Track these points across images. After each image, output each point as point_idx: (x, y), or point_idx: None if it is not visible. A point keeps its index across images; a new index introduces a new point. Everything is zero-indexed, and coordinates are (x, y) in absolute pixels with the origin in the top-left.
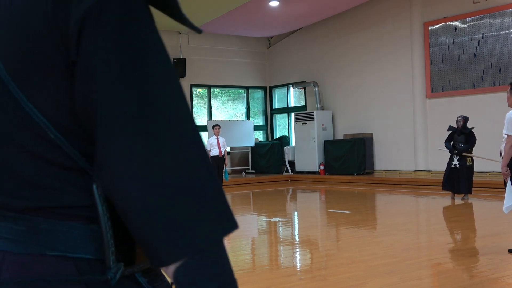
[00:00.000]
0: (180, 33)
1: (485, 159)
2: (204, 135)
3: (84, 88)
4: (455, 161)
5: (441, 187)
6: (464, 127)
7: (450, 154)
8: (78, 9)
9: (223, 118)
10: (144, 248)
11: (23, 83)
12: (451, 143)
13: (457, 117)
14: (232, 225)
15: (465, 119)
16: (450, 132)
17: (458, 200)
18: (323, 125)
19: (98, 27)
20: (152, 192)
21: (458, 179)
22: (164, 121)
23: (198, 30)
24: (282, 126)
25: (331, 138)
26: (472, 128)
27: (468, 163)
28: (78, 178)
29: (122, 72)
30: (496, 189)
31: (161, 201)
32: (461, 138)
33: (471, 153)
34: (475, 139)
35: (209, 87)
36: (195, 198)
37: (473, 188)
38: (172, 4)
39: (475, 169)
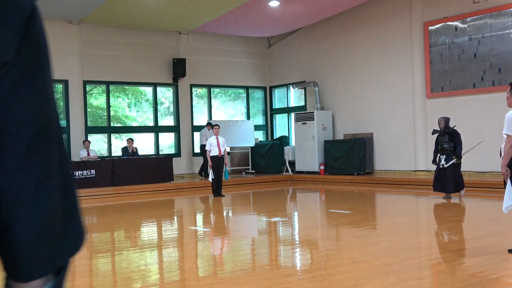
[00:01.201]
0: (180, 33)
1: (475, 147)
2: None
3: None
4: (443, 161)
5: None
6: (446, 127)
7: (439, 154)
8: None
9: (223, 118)
10: (8, 263)
11: None
12: (437, 145)
13: (438, 119)
14: (83, 240)
15: (446, 119)
16: (437, 135)
17: (456, 200)
18: (323, 125)
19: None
20: (37, 213)
21: (446, 178)
22: (51, 150)
23: None
24: (282, 126)
25: (331, 138)
26: (454, 126)
27: (456, 162)
28: None
29: (34, 97)
30: (496, 189)
31: (43, 223)
32: (445, 138)
33: (460, 158)
34: (460, 137)
35: (209, 87)
36: (65, 219)
37: (473, 188)
38: None
39: (473, 169)
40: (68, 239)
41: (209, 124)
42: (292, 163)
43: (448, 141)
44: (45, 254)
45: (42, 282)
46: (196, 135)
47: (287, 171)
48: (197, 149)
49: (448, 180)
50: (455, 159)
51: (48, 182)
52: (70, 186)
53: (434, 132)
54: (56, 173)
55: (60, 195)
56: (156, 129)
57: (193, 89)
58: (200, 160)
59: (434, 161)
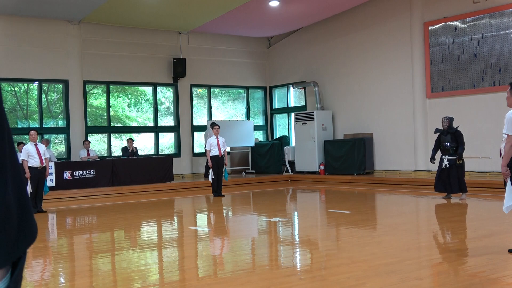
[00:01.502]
0: (180, 33)
1: (479, 158)
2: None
3: None
4: (445, 161)
5: None
6: (450, 127)
7: (441, 154)
8: None
9: (223, 118)
10: None
11: None
12: (439, 144)
13: (442, 118)
14: (36, 231)
15: (450, 119)
16: (438, 134)
17: (456, 200)
18: (323, 125)
19: None
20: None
21: (449, 179)
22: (3, 144)
23: None
24: (282, 126)
25: (331, 138)
26: (458, 127)
27: (457, 162)
28: None
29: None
30: (496, 189)
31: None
32: (447, 138)
33: (461, 157)
34: (463, 137)
35: (209, 87)
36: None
37: (473, 188)
38: None
39: (473, 169)
40: (23, 230)
41: (213, 124)
42: (292, 163)
43: (451, 141)
44: (5, 244)
45: (4, 272)
46: (196, 135)
47: (287, 171)
48: (197, 149)
49: (453, 181)
50: (456, 158)
51: (2, 173)
52: (20, 179)
53: (437, 131)
54: (9, 166)
55: (12, 187)
56: (156, 129)
57: (193, 89)
58: (204, 160)
59: (432, 159)
